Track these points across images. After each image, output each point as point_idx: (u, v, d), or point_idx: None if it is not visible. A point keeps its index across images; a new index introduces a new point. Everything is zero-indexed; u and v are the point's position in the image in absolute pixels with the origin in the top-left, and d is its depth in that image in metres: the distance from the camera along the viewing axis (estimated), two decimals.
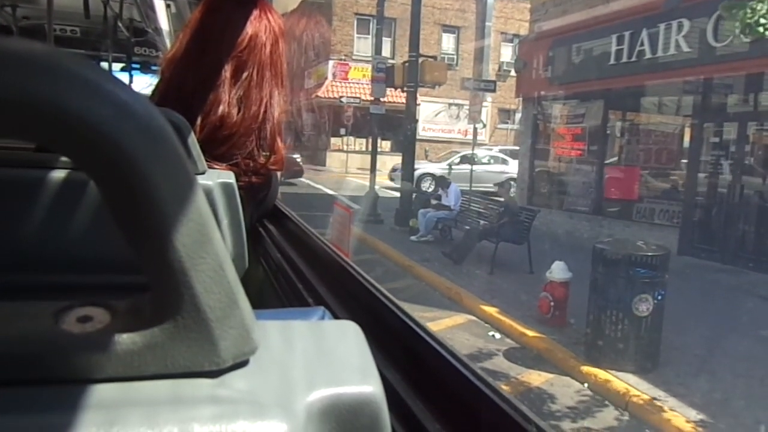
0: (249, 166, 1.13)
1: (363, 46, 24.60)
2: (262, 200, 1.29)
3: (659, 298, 5.11)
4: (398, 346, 0.70)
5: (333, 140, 24.71)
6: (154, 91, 1.18)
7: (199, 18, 1.16)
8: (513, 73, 16.71)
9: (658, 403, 4.53)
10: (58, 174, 0.76)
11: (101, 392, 0.31)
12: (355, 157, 23.17)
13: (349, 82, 24.54)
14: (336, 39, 24.97)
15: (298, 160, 17.34)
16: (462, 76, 19.25)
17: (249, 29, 1.13)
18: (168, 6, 3.56)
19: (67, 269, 0.76)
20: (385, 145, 22.90)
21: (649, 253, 5.22)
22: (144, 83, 5.00)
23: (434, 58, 14.48)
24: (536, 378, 5.12)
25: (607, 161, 11.27)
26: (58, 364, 0.31)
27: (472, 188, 12.95)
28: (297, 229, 1.31)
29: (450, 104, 25.37)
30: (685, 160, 9.88)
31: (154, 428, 0.29)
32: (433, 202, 10.99)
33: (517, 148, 15.63)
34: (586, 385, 4.97)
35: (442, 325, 6.18)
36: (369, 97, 15.03)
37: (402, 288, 7.34)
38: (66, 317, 0.33)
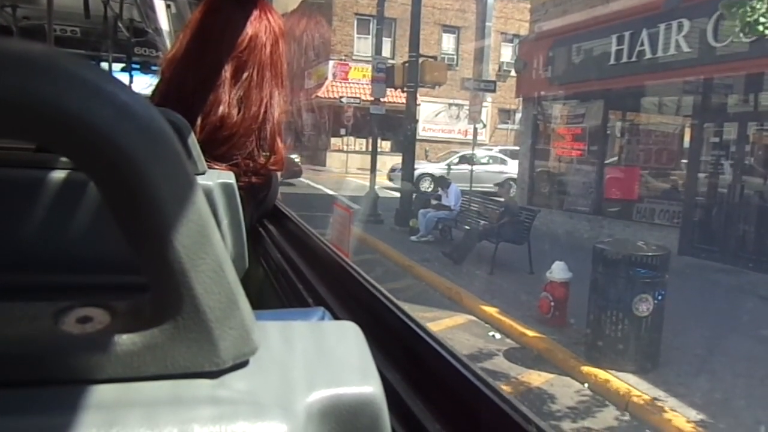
0: (249, 166, 1.13)
1: (363, 46, 24.61)
2: (262, 200, 1.29)
3: (659, 298, 5.11)
4: (398, 347, 0.70)
5: (333, 140, 24.71)
6: (154, 92, 1.18)
7: (200, 18, 1.16)
8: (513, 73, 16.72)
9: (659, 403, 4.53)
10: (58, 174, 0.76)
11: (101, 393, 0.31)
12: (355, 157, 23.17)
13: (349, 83, 24.55)
14: (336, 39, 24.97)
15: (297, 160, 17.36)
16: (462, 76, 19.25)
17: (249, 29, 1.13)
18: (168, 6, 3.56)
19: (67, 269, 0.76)
20: (385, 145, 22.90)
21: (650, 253, 5.22)
22: (144, 83, 5.00)
23: (434, 58, 14.48)
24: (536, 378, 5.12)
25: (607, 161, 11.27)
26: (57, 365, 0.31)
27: (472, 188, 12.96)
28: (297, 229, 1.31)
29: (450, 104, 25.37)
30: (685, 160, 9.87)
31: (153, 429, 0.29)
32: (434, 202, 10.99)
33: (517, 148, 15.64)
34: (586, 385, 4.97)
35: (443, 325, 6.18)
36: (369, 98, 15.04)
37: (402, 288, 7.34)
38: (66, 318, 0.33)
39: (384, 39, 15.72)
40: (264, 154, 1.15)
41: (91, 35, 4.33)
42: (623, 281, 5.10)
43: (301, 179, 17.89)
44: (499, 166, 19.96)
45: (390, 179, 18.38)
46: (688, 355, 5.40)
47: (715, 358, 5.25)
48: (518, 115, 17.57)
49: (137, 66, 5.01)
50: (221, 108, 1.09)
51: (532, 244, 8.40)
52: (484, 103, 17.27)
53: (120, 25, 3.97)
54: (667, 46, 9.31)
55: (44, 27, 3.57)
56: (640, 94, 10.61)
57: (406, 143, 12.30)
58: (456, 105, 24.84)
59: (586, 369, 5.06)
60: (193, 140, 0.91)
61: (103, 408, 0.30)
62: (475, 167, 15.31)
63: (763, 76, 8.22)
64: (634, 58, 9.91)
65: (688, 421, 4.28)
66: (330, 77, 24.92)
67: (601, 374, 4.94)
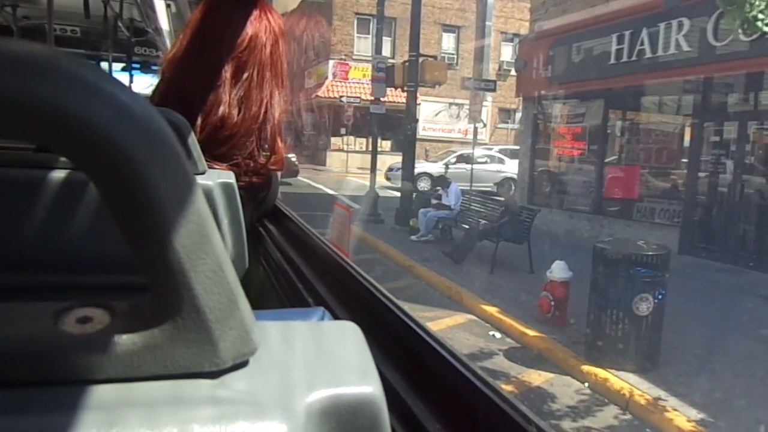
0: (249, 166, 1.13)
1: (363, 45, 24.60)
2: (263, 200, 1.29)
3: (660, 297, 5.11)
4: (398, 346, 0.70)
5: (333, 140, 24.71)
6: (154, 92, 1.18)
7: (200, 18, 1.16)
8: (513, 72, 16.71)
9: (659, 403, 4.53)
10: (58, 174, 0.76)
11: (101, 393, 0.31)
12: (355, 156, 23.17)
13: (349, 82, 24.55)
14: (336, 39, 24.97)
15: (294, 159, 17.34)
16: (462, 76, 19.29)
17: (249, 30, 1.13)
18: (168, 6, 3.56)
19: (67, 269, 0.76)
20: (386, 144, 22.90)
21: (650, 253, 5.22)
22: (144, 83, 5.00)
23: (434, 57, 14.49)
24: (536, 377, 5.13)
25: (607, 160, 11.27)
26: (57, 365, 0.31)
27: (472, 188, 12.96)
28: (297, 229, 1.31)
29: (450, 104, 25.36)
30: (685, 160, 9.87)
31: (153, 429, 0.29)
32: (434, 201, 10.99)
33: (518, 147, 15.63)
34: (586, 384, 4.97)
35: (443, 324, 6.18)
36: (369, 97, 15.03)
37: (402, 287, 7.34)
38: (66, 318, 0.33)
39: (384, 38, 15.71)
40: (264, 154, 1.15)
41: (91, 35, 4.32)
42: (623, 281, 5.10)
43: (302, 179, 17.90)
44: (497, 165, 19.97)
45: (387, 179, 18.36)
46: (689, 355, 5.40)
47: (715, 358, 5.25)
48: (518, 115, 17.57)
49: (137, 66, 5.01)
50: (221, 108, 1.09)
51: (533, 244, 8.41)
52: (485, 103, 17.28)
53: (120, 24, 3.96)
54: (667, 46, 9.31)
55: (44, 26, 3.57)
56: (641, 94, 10.61)
57: (406, 143, 12.30)
58: (456, 104, 24.83)
59: (587, 368, 5.06)
60: (193, 140, 0.91)
61: (103, 408, 0.30)
62: (474, 166, 15.31)
63: (764, 75, 8.21)
64: (634, 58, 9.91)
65: (689, 421, 4.28)
66: (330, 77, 24.91)
67: (602, 374, 4.95)
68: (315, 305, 0.94)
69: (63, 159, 0.76)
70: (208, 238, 0.32)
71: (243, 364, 0.34)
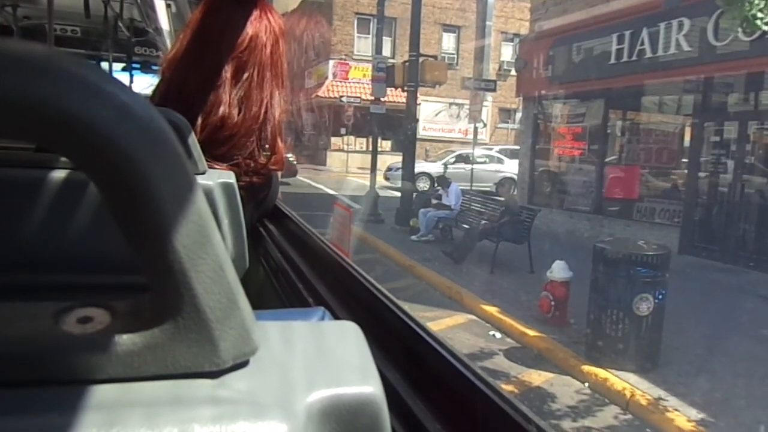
0: (249, 166, 1.13)
1: (363, 45, 24.60)
2: (263, 200, 1.29)
3: (660, 297, 5.10)
4: (398, 346, 0.70)
5: (333, 140, 24.71)
6: (154, 92, 1.18)
7: (200, 18, 1.16)
8: (513, 72, 16.70)
9: (659, 403, 4.53)
10: (58, 174, 0.76)
11: (101, 393, 0.31)
12: (355, 156, 23.17)
13: (349, 82, 24.55)
14: (336, 39, 24.97)
15: (292, 159, 17.34)
16: (462, 76, 19.29)
17: (249, 30, 1.13)
18: (168, 6, 3.56)
19: (67, 269, 0.76)
20: (386, 144, 22.90)
21: (650, 253, 5.22)
22: (145, 83, 5.00)
23: (435, 57, 14.48)
24: (537, 377, 5.13)
25: (607, 160, 11.27)
26: (58, 365, 0.31)
27: (472, 187, 12.96)
28: (297, 229, 1.31)
29: (450, 104, 25.36)
30: (685, 160, 9.87)
31: (154, 429, 0.29)
32: (434, 201, 10.99)
33: (518, 147, 15.63)
34: (586, 384, 4.97)
35: (443, 324, 6.18)
36: (369, 97, 15.02)
37: (403, 287, 7.35)
38: (66, 318, 0.33)
39: (384, 38, 15.71)
40: (264, 153, 1.15)
41: (91, 35, 4.32)
42: (623, 281, 5.10)
43: (302, 179, 17.90)
44: (495, 165, 19.96)
45: (386, 179, 18.34)
46: (689, 355, 5.40)
47: (715, 358, 5.25)
48: (519, 115, 17.57)
49: (137, 66, 5.01)
50: (222, 108, 1.09)
51: (533, 244, 8.41)
52: (485, 103, 17.29)
53: (120, 24, 3.96)
54: (668, 45, 9.30)
55: (45, 26, 3.57)
56: (641, 93, 10.60)
57: (407, 143, 12.30)
58: (456, 104, 24.84)
59: (587, 368, 5.06)
60: (193, 140, 0.92)
61: (104, 408, 0.30)
62: (473, 167, 15.30)
63: (764, 75, 8.21)
64: (634, 57, 9.91)
65: (689, 421, 4.28)
66: (330, 77, 24.92)
67: (602, 373, 4.95)
68: (315, 305, 0.94)
69: (63, 159, 0.76)
70: (208, 237, 0.32)
71: (243, 364, 0.34)
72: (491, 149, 21.79)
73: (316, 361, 0.37)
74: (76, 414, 0.29)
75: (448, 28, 26.38)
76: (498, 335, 6.09)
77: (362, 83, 23.07)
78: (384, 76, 12.39)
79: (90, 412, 0.29)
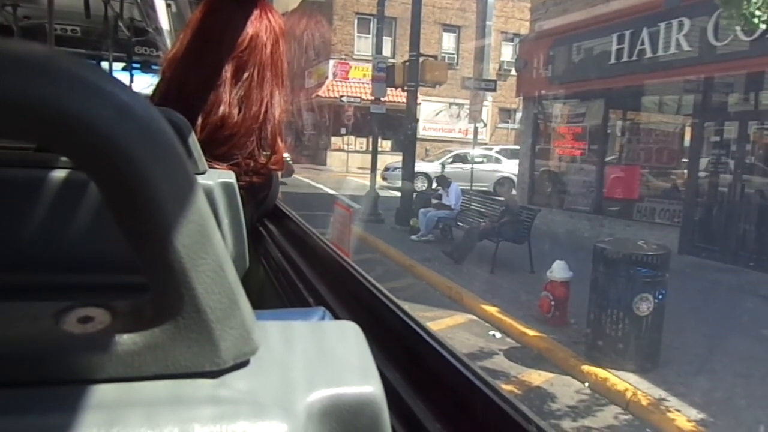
0: (250, 165, 1.13)
1: (363, 45, 24.60)
2: (263, 200, 1.30)
3: (660, 297, 5.10)
4: (398, 346, 0.70)
5: (333, 140, 24.72)
6: (154, 91, 1.18)
7: (200, 18, 1.16)
8: (513, 72, 16.71)
9: (659, 403, 4.53)
10: (59, 174, 0.76)
11: (102, 393, 0.31)
12: (355, 156, 23.18)
13: (349, 82, 24.55)
14: (336, 38, 24.97)
15: (289, 159, 17.33)
16: (462, 76, 19.29)
17: (249, 29, 1.14)
18: (168, 5, 3.56)
19: (67, 269, 0.76)
20: (386, 144, 22.90)
21: (650, 253, 5.22)
22: (145, 83, 5.00)
23: (435, 57, 14.48)
24: (537, 377, 5.13)
25: (607, 160, 11.27)
26: (58, 365, 0.31)
27: (472, 187, 12.95)
28: (297, 228, 1.31)
29: (450, 103, 25.36)
30: (685, 160, 9.87)
31: (154, 429, 0.29)
32: (434, 201, 10.99)
33: (518, 147, 15.63)
34: (586, 384, 4.97)
35: (443, 324, 6.18)
36: (369, 97, 15.02)
37: (403, 287, 7.35)
38: (66, 318, 0.33)
39: (384, 38, 15.71)
40: (265, 153, 1.15)
41: (91, 34, 4.32)
42: (624, 280, 5.10)
43: (302, 178, 17.90)
44: (493, 165, 19.95)
45: (384, 178, 18.32)
46: (689, 355, 5.40)
47: (715, 358, 5.25)
48: (519, 115, 17.57)
49: (138, 65, 5.01)
50: (222, 108, 1.09)
51: (533, 244, 8.41)
52: (485, 103, 17.29)
53: (120, 24, 3.96)
54: (668, 45, 9.30)
55: (45, 26, 3.57)
56: (641, 93, 10.60)
57: (407, 142, 12.30)
58: (456, 104, 24.84)
59: (587, 368, 5.06)
60: (193, 140, 0.92)
61: (104, 408, 0.30)
62: (469, 166, 15.29)
63: (764, 75, 8.21)
64: (634, 57, 9.90)
65: (689, 420, 4.28)
66: (330, 76, 24.92)
67: (602, 373, 4.95)
68: (315, 305, 0.94)
69: (63, 159, 0.76)
70: (208, 237, 0.32)
71: (243, 364, 0.34)
72: (491, 149, 21.79)
73: (317, 360, 0.37)
74: (76, 414, 0.29)
75: (448, 27, 26.38)
76: (498, 335, 6.09)
77: (362, 83, 23.07)
78: (384, 75, 12.39)
79: (90, 412, 0.29)
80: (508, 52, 25.97)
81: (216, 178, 0.92)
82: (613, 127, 11.35)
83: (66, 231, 0.76)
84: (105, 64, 4.47)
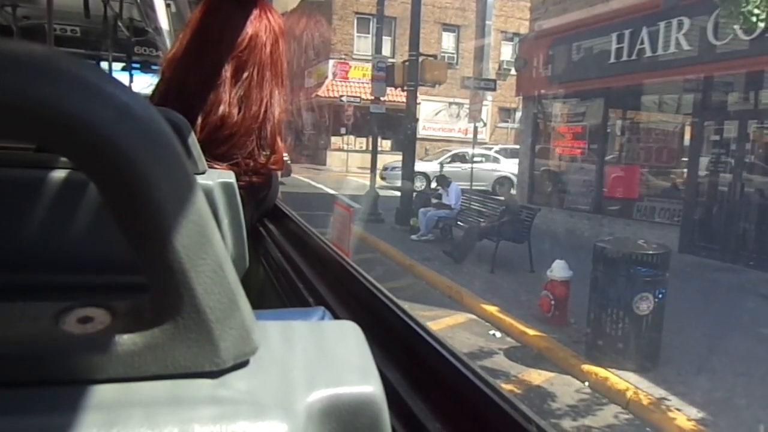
0: (249, 165, 1.13)
1: (363, 45, 24.60)
2: (263, 200, 1.30)
3: (660, 296, 5.10)
4: (398, 346, 0.70)
5: (333, 139, 24.72)
6: (154, 91, 1.18)
7: (200, 18, 1.16)
8: (513, 71, 16.71)
9: (659, 402, 4.53)
10: (59, 174, 0.76)
11: (102, 393, 0.31)
12: (355, 156, 23.17)
13: (349, 81, 24.54)
14: (336, 38, 24.96)
15: (286, 158, 17.31)
16: (462, 75, 19.26)
17: (249, 29, 1.14)
18: (168, 5, 3.56)
19: (67, 269, 0.76)
20: (386, 144, 22.90)
21: (650, 252, 5.22)
22: (144, 83, 5.00)
23: (434, 56, 14.48)
24: (537, 377, 5.13)
25: (607, 159, 11.27)
26: (58, 365, 0.31)
27: (472, 187, 12.94)
28: (297, 228, 1.31)
29: (450, 103, 25.36)
30: (685, 159, 9.87)
31: (154, 429, 0.29)
32: (434, 201, 10.99)
33: (518, 146, 15.62)
34: (586, 383, 4.97)
35: (443, 324, 6.18)
36: (369, 96, 15.03)
37: (403, 287, 7.34)
38: (66, 318, 0.33)
39: (384, 38, 15.71)
40: (264, 153, 1.15)
41: (91, 35, 4.32)
42: (624, 280, 5.10)
43: (302, 178, 17.89)
44: (491, 164, 19.93)
45: (382, 178, 18.31)
46: (689, 354, 5.40)
47: (715, 357, 5.25)
48: (518, 114, 17.57)
49: (137, 65, 5.01)
50: (222, 107, 1.09)
51: (533, 243, 8.40)
52: (485, 102, 17.26)
53: (120, 24, 3.96)
54: (667, 44, 9.31)
55: (44, 26, 3.57)
56: (641, 93, 10.61)
57: (407, 142, 12.30)
58: (456, 104, 24.83)
59: (587, 367, 5.06)
60: (193, 140, 0.92)
61: (104, 408, 0.30)
62: (467, 165, 15.26)
63: (764, 74, 8.21)
64: (634, 57, 9.91)
65: (689, 420, 4.28)
66: (330, 76, 24.91)
67: (602, 373, 4.95)
68: (315, 305, 0.94)
69: (63, 159, 0.76)
70: (208, 238, 0.32)
71: (243, 364, 0.34)
72: (491, 149, 21.78)
73: (317, 360, 0.37)
74: (76, 414, 0.29)
75: (448, 27, 26.38)
76: (498, 334, 6.09)
77: (362, 83, 23.07)
78: (384, 75, 12.39)
79: (90, 412, 0.29)
80: (507, 52, 25.97)
81: (216, 178, 0.92)
82: (612, 126, 11.35)
83: (66, 231, 0.76)
84: (105, 65, 4.47)
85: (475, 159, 18.31)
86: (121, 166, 0.29)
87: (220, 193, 0.92)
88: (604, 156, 11.25)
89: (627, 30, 9.94)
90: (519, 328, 5.98)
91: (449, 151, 20.93)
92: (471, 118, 15.33)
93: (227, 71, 1.11)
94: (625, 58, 10.08)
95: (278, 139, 1.17)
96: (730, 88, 9.11)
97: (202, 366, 0.33)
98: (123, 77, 4.71)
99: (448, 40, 26.51)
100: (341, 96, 22.75)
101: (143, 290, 0.33)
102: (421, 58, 11.86)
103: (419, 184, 17.34)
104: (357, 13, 25.11)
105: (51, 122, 0.27)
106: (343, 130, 23.36)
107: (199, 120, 1.08)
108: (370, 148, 14.05)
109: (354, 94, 22.84)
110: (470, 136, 17.41)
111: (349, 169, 22.56)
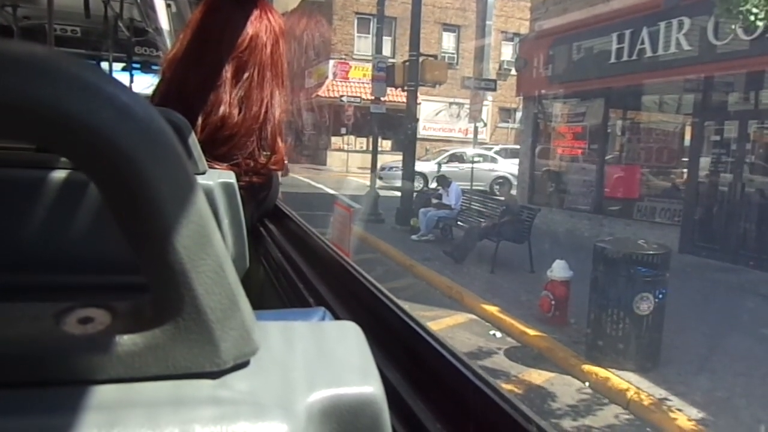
0: (250, 166, 1.13)
1: (363, 45, 24.59)
2: (263, 200, 1.30)
3: (660, 296, 5.10)
4: (399, 346, 0.70)
5: (334, 139, 24.71)
6: (155, 92, 1.18)
7: (200, 18, 1.16)
8: (514, 71, 16.70)
9: (659, 402, 4.53)
10: (59, 174, 0.76)
11: (102, 393, 0.31)
12: (355, 156, 23.17)
13: (349, 82, 24.54)
14: (336, 38, 24.96)
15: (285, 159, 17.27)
16: (462, 75, 19.27)
17: (249, 29, 1.14)
18: (168, 6, 3.55)
19: (67, 269, 0.76)
20: (386, 144, 22.89)
21: (650, 252, 5.22)
22: (145, 83, 5.00)
23: (435, 57, 14.48)
24: (537, 377, 5.12)
25: (607, 159, 11.27)
26: (59, 366, 0.31)
27: (472, 187, 12.94)
28: (298, 228, 1.31)
29: (450, 103, 25.35)
30: (685, 159, 9.87)
31: (155, 429, 0.29)
32: (434, 201, 10.99)
33: (518, 146, 15.62)
34: (586, 384, 4.97)
35: (443, 324, 6.18)
36: (369, 96, 15.02)
37: (403, 287, 7.34)
38: (67, 318, 0.33)
39: (384, 38, 15.70)
40: (265, 153, 1.15)
41: (91, 35, 4.32)
42: (624, 280, 5.09)
43: (302, 178, 17.89)
44: (490, 164, 19.91)
45: (380, 178, 18.28)
46: (689, 354, 5.40)
47: (715, 357, 5.25)
48: (519, 114, 17.57)
49: (138, 65, 5.01)
50: (222, 108, 1.09)
51: (533, 243, 8.40)
52: (485, 102, 17.27)
53: (120, 24, 3.96)
54: (668, 45, 9.30)
55: (45, 26, 3.57)
56: (641, 93, 10.61)
57: (407, 142, 12.30)
58: (456, 104, 24.83)
59: (587, 368, 5.06)
60: (193, 140, 0.92)
61: (105, 408, 0.30)
62: (465, 165, 15.24)
63: (764, 74, 8.21)
64: (634, 57, 9.90)
65: (689, 420, 4.28)
66: (330, 76, 24.91)
67: (602, 373, 4.95)
68: (316, 305, 0.94)
69: (63, 159, 0.76)
70: (209, 238, 0.32)
71: (244, 365, 0.34)
72: (491, 149, 21.77)
73: (317, 361, 0.37)
74: (77, 414, 0.29)
75: (448, 27, 26.37)
76: (498, 335, 6.09)
77: (362, 83, 23.06)
78: (384, 75, 12.39)
79: (91, 413, 0.29)
80: (508, 52, 25.96)
81: (216, 178, 0.92)
82: (613, 126, 11.35)
83: (66, 231, 0.76)
84: (105, 65, 4.47)
85: (473, 159, 18.33)
86: (121, 166, 0.29)
87: (221, 193, 0.92)
88: (604, 156, 11.25)
89: (627, 30, 9.94)
90: (519, 328, 5.98)
91: (447, 150, 20.91)
92: (471, 118, 15.35)
93: (228, 72, 1.11)
94: (625, 58, 10.08)
95: (278, 140, 1.17)
96: (730, 88, 9.11)
97: (202, 366, 0.33)
98: (123, 77, 4.71)
99: (448, 40, 26.50)
100: (341, 96, 22.75)
101: (143, 290, 0.33)
102: (421, 59, 11.86)
103: (417, 184, 17.34)
104: (357, 13, 25.10)
105: (51, 122, 0.28)
106: (343, 131, 23.36)
107: (200, 120, 1.08)
108: (371, 148, 14.04)
109: (354, 95, 22.84)
110: (470, 136, 17.44)
111: (349, 169, 22.55)
